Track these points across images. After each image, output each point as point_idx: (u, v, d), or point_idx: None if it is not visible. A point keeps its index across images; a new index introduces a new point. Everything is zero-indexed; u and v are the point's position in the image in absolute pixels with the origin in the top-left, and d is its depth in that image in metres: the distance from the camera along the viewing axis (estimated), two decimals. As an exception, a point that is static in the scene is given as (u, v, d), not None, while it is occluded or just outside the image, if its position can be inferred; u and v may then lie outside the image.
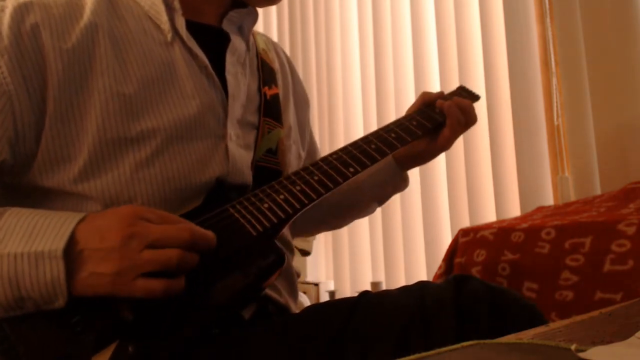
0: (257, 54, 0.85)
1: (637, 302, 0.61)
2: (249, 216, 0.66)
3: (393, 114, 2.10)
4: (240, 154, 0.73)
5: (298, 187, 0.71)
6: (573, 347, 0.38)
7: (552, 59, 1.64)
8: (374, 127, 2.17)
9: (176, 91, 0.69)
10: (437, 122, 0.88)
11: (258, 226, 0.66)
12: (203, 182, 0.68)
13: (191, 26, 0.73)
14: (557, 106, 1.63)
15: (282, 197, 0.69)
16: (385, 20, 2.15)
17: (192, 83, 0.70)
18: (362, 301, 0.67)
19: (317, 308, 0.73)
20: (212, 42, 0.76)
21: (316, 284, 2.29)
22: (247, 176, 0.74)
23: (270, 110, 0.82)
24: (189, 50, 0.72)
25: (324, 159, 0.77)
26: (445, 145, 0.89)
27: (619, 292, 0.88)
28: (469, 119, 0.90)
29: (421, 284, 0.67)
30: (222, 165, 0.70)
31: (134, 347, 0.53)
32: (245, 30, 0.81)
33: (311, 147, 1.02)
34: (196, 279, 0.59)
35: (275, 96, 0.85)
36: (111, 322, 0.55)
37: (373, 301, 0.66)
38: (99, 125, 0.63)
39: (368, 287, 2.04)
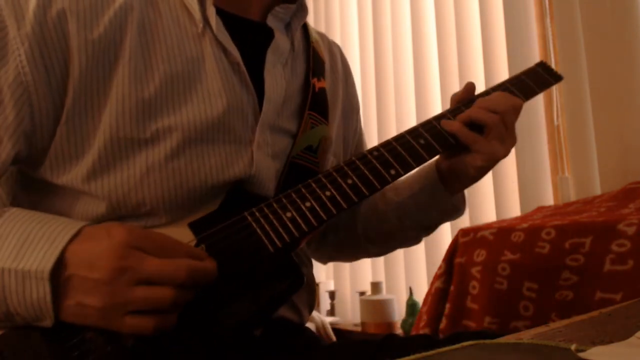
0: (310, 42, 0.79)
1: (637, 302, 0.61)
2: (268, 227, 0.60)
3: (393, 115, 2.10)
4: (267, 165, 0.67)
5: (328, 193, 0.62)
6: (573, 347, 0.38)
7: (552, 59, 1.63)
8: (374, 129, 2.20)
9: (201, 89, 0.63)
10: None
11: (277, 241, 0.59)
12: (218, 188, 0.63)
13: (231, 19, 0.68)
14: (557, 106, 1.63)
15: (308, 204, 0.61)
16: (385, 21, 2.15)
17: (219, 81, 0.64)
18: (388, 344, 0.65)
19: (340, 346, 0.70)
20: (253, 38, 0.70)
21: (316, 284, 2.29)
22: (269, 190, 0.67)
23: (317, 104, 0.75)
24: (220, 45, 0.65)
25: (362, 156, 0.67)
26: (492, 156, 0.70)
27: (619, 292, 0.88)
28: (514, 112, 0.72)
29: (456, 335, 0.64)
30: (244, 173, 0.64)
31: None
32: (292, 28, 0.74)
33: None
34: (201, 302, 0.55)
35: (323, 90, 0.78)
36: (109, 350, 0.52)
37: (400, 346, 0.65)
38: (112, 122, 0.58)
39: (368, 287, 2.04)
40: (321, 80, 0.78)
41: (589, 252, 0.94)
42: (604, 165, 1.47)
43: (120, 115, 0.59)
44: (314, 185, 0.63)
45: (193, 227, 0.60)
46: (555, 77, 0.83)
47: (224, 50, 0.65)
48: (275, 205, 0.62)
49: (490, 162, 0.71)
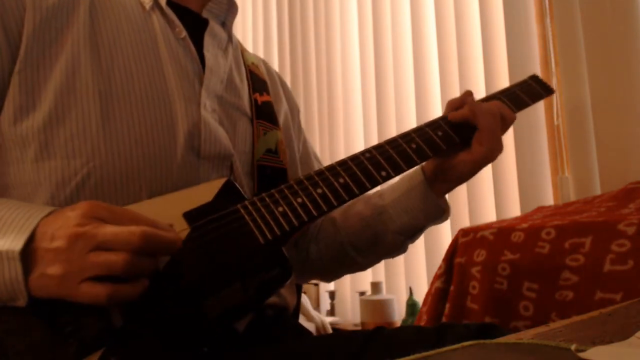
0: (247, 66, 0.87)
1: (637, 302, 0.61)
2: (259, 220, 0.62)
3: (393, 115, 2.10)
4: (218, 131, 0.71)
5: (319, 191, 0.66)
6: (573, 347, 0.38)
7: (552, 59, 1.63)
8: (374, 130, 2.20)
9: (149, 56, 0.69)
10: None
11: (267, 233, 0.61)
12: (174, 145, 0.66)
13: (173, 6, 0.75)
14: (557, 106, 1.63)
15: (299, 200, 0.64)
16: (385, 22, 2.15)
17: (166, 51, 0.71)
18: (376, 337, 0.66)
19: (328, 339, 0.71)
20: (192, 24, 0.76)
21: (316, 284, 2.29)
22: (226, 147, 0.71)
23: (263, 114, 0.82)
24: (167, 20, 0.73)
25: (355, 157, 0.70)
26: (486, 154, 0.75)
27: (619, 292, 0.88)
28: (503, 122, 0.78)
29: (442, 326, 0.65)
30: (195, 129, 0.68)
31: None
32: (227, 24, 0.83)
33: (304, 156, 0.96)
34: (191, 287, 0.56)
35: (268, 102, 0.85)
36: (102, 327, 0.53)
37: (388, 338, 0.65)
38: (69, 72, 0.63)
39: (368, 287, 2.04)
40: (264, 94, 0.85)
41: (589, 252, 0.94)
42: (604, 165, 1.47)
43: (77, 67, 0.64)
44: (306, 182, 0.66)
45: (187, 216, 0.62)
46: (547, 90, 0.87)
47: (170, 25, 0.73)
48: (267, 199, 0.64)
49: (483, 162, 0.76)
